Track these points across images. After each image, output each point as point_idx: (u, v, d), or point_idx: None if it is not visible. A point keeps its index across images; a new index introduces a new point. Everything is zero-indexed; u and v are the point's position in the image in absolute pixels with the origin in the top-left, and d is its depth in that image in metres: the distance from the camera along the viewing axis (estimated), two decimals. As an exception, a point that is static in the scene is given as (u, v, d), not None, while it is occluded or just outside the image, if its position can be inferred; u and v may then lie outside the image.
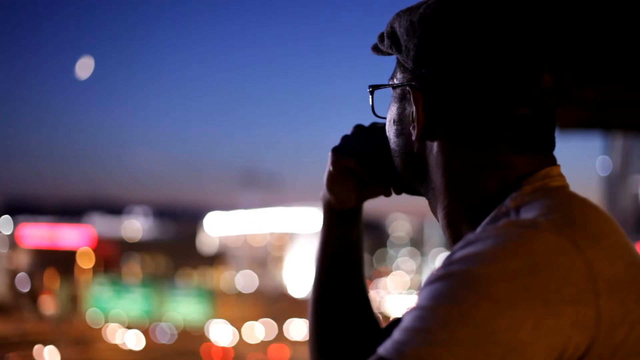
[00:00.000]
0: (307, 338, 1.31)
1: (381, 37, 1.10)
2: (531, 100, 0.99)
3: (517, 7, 0.99)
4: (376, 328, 1.27)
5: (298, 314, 48.74)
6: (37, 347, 40.01)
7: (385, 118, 1.14)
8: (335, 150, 1.20)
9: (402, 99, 1.07)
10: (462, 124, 1.00)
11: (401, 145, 1.08)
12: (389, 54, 1.11)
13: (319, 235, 1.29)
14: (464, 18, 0.98)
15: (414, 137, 1.04)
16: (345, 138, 1.22)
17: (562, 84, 1.01)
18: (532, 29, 0.99)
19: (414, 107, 1.03)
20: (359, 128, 1.22)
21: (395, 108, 1.09)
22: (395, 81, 1.09)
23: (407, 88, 1.04)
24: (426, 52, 1.01)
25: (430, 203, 1.09)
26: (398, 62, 1.08)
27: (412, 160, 1.07)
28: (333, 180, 1.22)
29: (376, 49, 1.13)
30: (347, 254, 1.27)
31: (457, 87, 0.99)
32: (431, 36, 1.00)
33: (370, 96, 1.14)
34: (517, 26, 0.98)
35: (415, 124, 1.03)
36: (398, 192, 1.19)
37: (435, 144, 1.03)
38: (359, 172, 1.19)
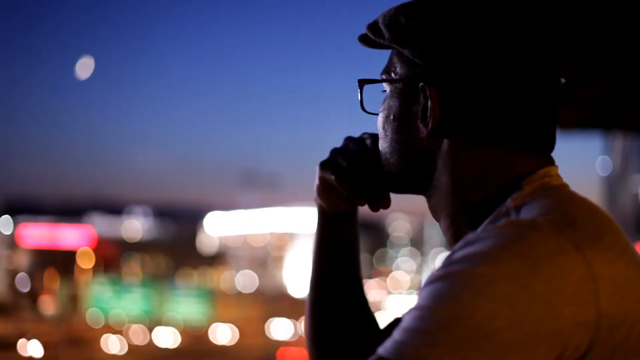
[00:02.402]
0: (305, 340, 1.31)
1: (376, 30, 1.07)
2: (540, 101, 0.99)
3: (529, 8, 1.00)
4: (374, 328, 1.26)
5: (298, 314, 48.60)
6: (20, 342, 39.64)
7: (374, 114, 1.12)
8: (321, 165, 1.20)
9: (405, 94, 1.04)
10: (475, 122, 0.99)
11: (403, 142, 1.05)
12: (383, 47, 1.09)
13: (313, 237, 1.29)
14: (483, 15, 0.98)
15: (423, 134, 1.02)
16: (333, 151, 1.20)
17: (564, 83, 1.01)
18: (535, 28, 0.99)
19: (428, 103, 1.00)
20: (348, 140, 1.21)
21: (396, 103, 1.06)
22: (394, 76, 1.06)
23: (420, 83, 1.01)
24: (442, 47, 0.99)
25: (430, 202, 1.07)
26: (399, 55, 1.05)
27: (416, 158, 1.05)
28: (320, 192, 1.22)
29: (365, 40, 1.11)
30: (342, 255, 1.27)
31: (473, 84, 0.98)
32: (448, 32, 0.99)
33: (359, 91, 1.11)
34: (522, 25, 0.98)
35: (429, 120, 1.01)
36: (386, 206, 1.17)
37: (445, 142, 1.01)
38: (339, 188, 1.18)
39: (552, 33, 1.00)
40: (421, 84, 1.01)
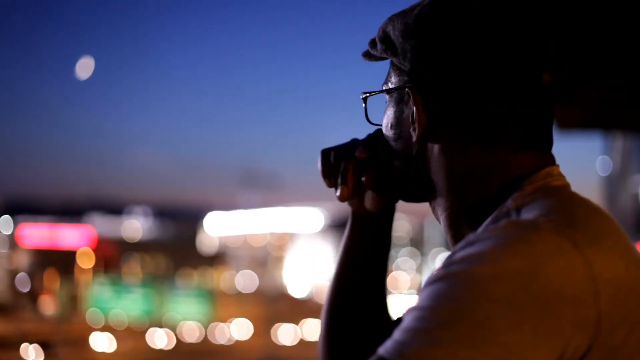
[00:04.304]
0: (318, 338, 1.29)
1: (373, 43, 1.10)
2: (531, 99, 0.99)
3: (517, 6, 0.99)
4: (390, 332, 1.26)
5: (298, 315, 48.48)
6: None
7: (379, 125, 1.14)
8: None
9: (399, 102, 1.07)
10: (462, 124, 1.00)
11: (400, 148, 1.07)
12: (382, 59, 1.11)
13: (343, 235, 1.29)
14: (464, 18, 0.98)
15: (414, 139, 1.03)
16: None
17: (562, 81, 1.06)
18: (531, 27, 0.99)
19: (414, 109, 1.02)
20: (354, 141, 1.22)
21: (392, 112, 1.08)
22: (390, 85, 1.08)
23: (406, 90, 1.03)
24: (424, 53, 1.00)
25: (431, 204, 1.08)
26: (393, 65, 1.08)
27: (413, 163, 1.06)
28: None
29: (368, 55, 1.13)
30: (365, 257, 1.26)
31: (456, 87, 0.99)
32: (429, 37, 1.00)
33: (363, 104, 1.13)
34: (517, 25, 0.98)
35: (416, 125, 1.02)
36: (343, 196, 1.19)
37: (436, 145, 1.03)
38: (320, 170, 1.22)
39: (545, 30, 1.00)
40: (407, 90, 1.03)
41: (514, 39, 0.98)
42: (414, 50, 1.01)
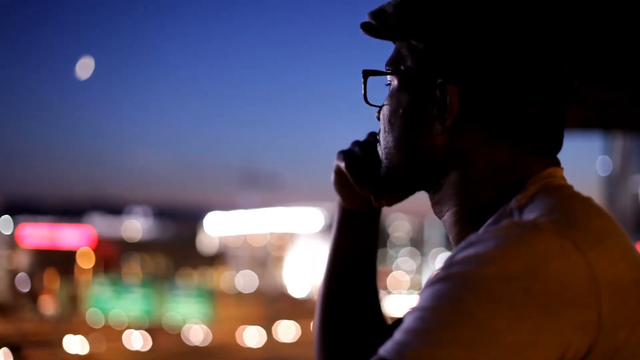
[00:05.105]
0: (314, 338, 1.28)
1: (385, 19, 1.04)
2: (550, 100, 0.98)
3: (542, 8, 0.99)
4: (383, 329, 1.24)
5: (298, 315, 48.48)
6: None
7: (377, 106, 1.09)
8: (337, 153, 1.20)
9: (418, 89, 1.01)
10: (489, 121, 0.98)
11: (412, 137, 1.02)
12: (388, 38, 1.06)
13: (331, 232, 1.27)
14: (497, 12, 0.97)
15: (438, 132, 0.99)
16: (353, 142, 1.21)
17: (573, 82, 1.01)
18: (555, 29, 0.99)
19: (447, 100, 0.97)
20: (370, 134, 1.20)
21: (407, 98, 1.02)
22: (403, 68, 1.02)
23: (439, 79, 0.98)
24: (459, 44, 0.97)
25: (434, 199, 1.05)
26: (410, 48, 1.02)
27: (426, 155, 1.02)
28: (335, 183, 1.22)
29: (370, 29, 1.07)
30: (356, 254, 1.25)
31: (488, 83, 0.97)
32: (465, 28, 0.97)
33: (363, 82, 1.08)
34: (544, 26, 0.98)
35: (447, 117, 0.98)
36: (389, 204, 1.16)
37: (458, 140, 0.99)
38: (347, 175, 1.17)
39: (567, 35, 1.00)
40: (440, 80, 0.98)
41: (547, 41, 0.97)
42: (451, 39, 0.98)
